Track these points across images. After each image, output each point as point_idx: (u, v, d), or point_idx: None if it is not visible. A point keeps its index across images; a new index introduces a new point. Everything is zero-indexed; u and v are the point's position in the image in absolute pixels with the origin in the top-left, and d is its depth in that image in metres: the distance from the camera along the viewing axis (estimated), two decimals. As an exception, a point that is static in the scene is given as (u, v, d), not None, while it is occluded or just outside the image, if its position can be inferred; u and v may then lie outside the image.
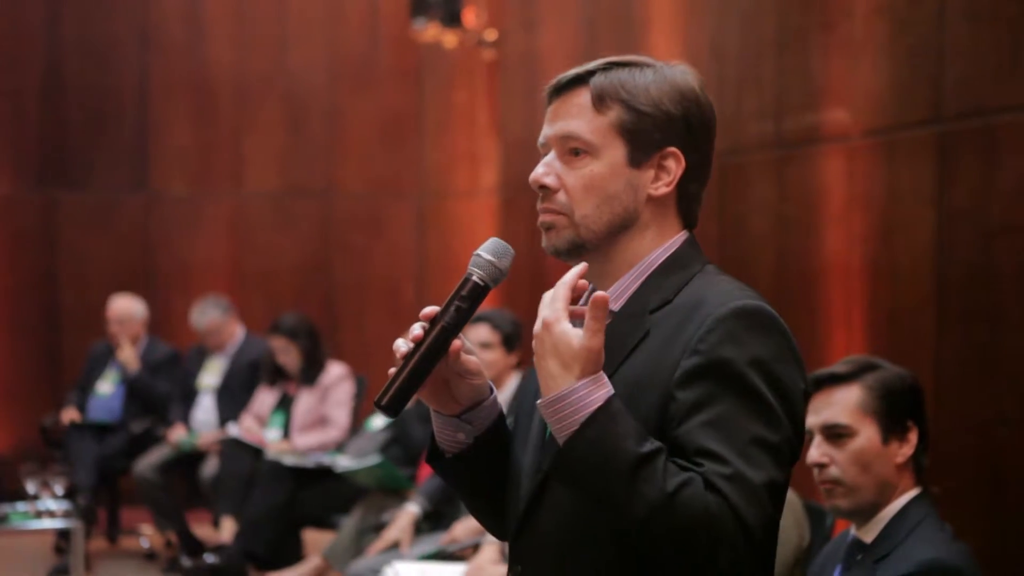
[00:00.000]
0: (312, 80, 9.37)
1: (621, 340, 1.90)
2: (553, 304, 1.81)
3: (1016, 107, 3.90)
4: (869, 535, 2.88)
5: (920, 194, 4.34)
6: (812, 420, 2.94)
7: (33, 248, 8.98)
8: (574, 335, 1.78)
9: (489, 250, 1.94)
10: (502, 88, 8.47)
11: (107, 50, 9.09)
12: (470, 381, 1.97)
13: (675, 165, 1.96)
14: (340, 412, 7.10)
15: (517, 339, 5.54)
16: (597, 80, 1.95)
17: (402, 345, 1.90)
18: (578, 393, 1.76)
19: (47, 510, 5.68)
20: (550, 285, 1.83)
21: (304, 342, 7.17)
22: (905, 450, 2.90)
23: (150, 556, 7.62)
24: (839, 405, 2.90)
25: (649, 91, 1.94)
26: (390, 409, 1.88)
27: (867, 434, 2.89)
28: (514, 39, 8.24)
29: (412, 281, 9.40)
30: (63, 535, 7.00)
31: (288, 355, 7.18)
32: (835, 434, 2.90)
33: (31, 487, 5.69)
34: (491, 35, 8.37)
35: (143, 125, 9.14)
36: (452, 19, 8.10)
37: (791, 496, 3.68)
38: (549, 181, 1.95)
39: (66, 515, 5.70)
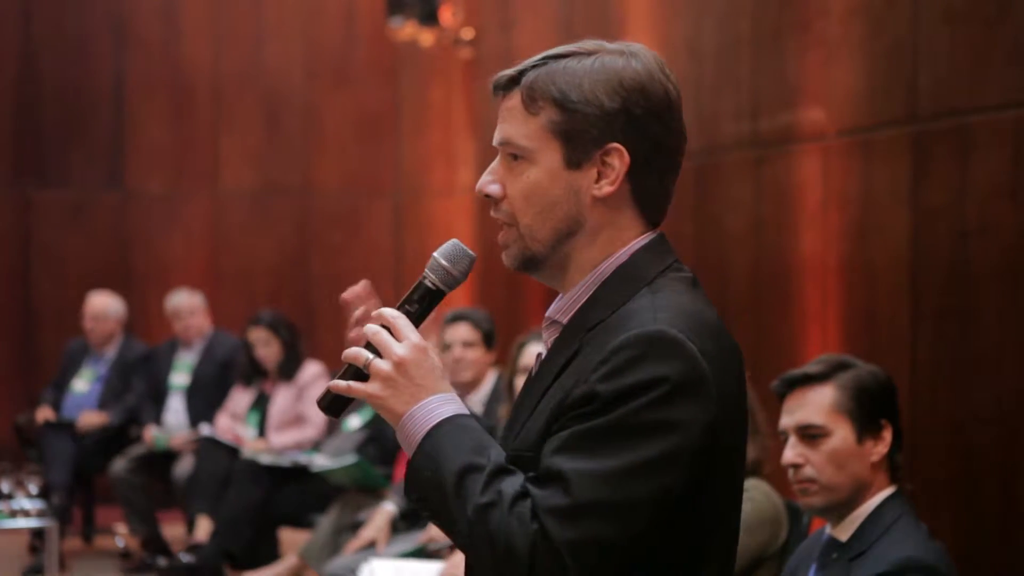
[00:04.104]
0: (289, 78, 9.34)
1: (559, 356, 1.83)
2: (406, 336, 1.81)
3: (991, 107, 3.91)
4: (844, 533, 2.88)
5: (895, 194, 4.36)
6: (786, 420, 2.95)
7: (8, 246, 8.93)
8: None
9: (444, 254, 1.89)
10: (478, 87, 8.46)
11: (82, 47, 9.04)
12: None
13: (618, 162, 1.82)
14: (316, 411, 7.08)
15: (495, 337, 5.54)
16: (528, 79, 1.84)
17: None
18: (429, 406, 1.77)
19: (21, 509, 5.65)
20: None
21: (285, 335, 7.16)
22: (880, 449, 2.90)
23: (125, 555, 7.58)
24: (813, 405, 2.90)
25: (583, 86, 1.81)
26: (331, 411, 1.89)
27: (841, 434, 2.89)
28: (491, 38, 8.24)
29: (389, 279, 9.38)
30: (37, 534, 6.96)
31: (269, 348, 7.16)
32: (809, 435, 2.90)
33: (5, 486, 5.66)
34: (468, 34, 8.37)
35: (119, 122, 9.10)
36: (429, 17, 8.09)
37: (773, 496, 3.67)
38: (493, 190, 1.87)
39: (40, 514, 5.67)
